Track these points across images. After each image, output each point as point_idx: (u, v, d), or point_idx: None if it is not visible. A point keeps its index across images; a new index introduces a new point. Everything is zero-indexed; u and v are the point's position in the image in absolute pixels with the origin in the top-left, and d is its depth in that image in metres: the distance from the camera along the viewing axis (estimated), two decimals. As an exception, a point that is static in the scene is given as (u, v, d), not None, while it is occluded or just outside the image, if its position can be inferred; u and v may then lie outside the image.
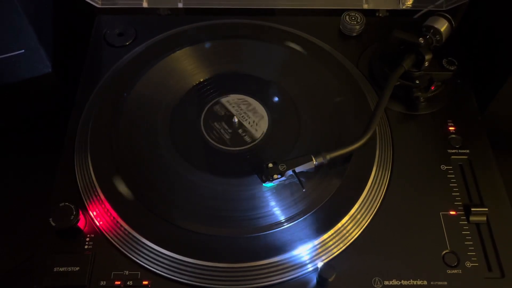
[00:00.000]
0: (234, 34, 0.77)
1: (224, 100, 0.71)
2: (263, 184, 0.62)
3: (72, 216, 0.57)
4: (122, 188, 0.61)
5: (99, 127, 0.66)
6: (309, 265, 0.57)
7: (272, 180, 0.61)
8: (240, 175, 0.63)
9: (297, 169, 0.61)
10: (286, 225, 0.59)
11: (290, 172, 0.60)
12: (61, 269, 0.56)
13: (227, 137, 0.67)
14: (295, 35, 0.77)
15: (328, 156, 0.61)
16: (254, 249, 0.57)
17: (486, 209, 0.61)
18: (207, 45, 0.76)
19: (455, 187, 0.64)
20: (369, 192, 0.62)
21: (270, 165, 0.60)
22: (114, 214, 0.59)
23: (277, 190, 0.62)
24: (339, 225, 0.59)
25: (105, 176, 0.62)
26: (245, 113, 0.70)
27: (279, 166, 0.60)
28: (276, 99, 0.72)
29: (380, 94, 0.66)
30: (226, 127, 0.68)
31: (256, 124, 0.69)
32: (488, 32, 0.78)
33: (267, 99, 0.71)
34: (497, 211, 0.62)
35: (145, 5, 0.81)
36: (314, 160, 0.61)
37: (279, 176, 0.60)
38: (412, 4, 0.82)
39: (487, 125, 0.69)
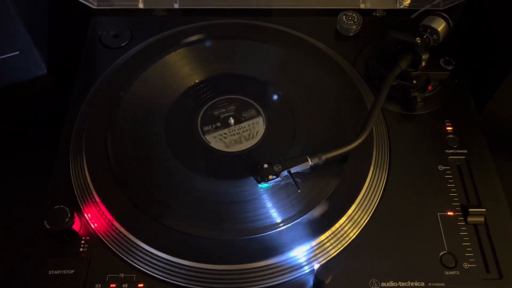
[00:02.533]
0: (230, 34, 0.77)
1: (221, 101, 0.71)
2: (259, 185, 0.62)
3: (67, 219, 0.57)
4: (117, 190, 0.61)
5: (95, 129, 0.66)
6: (305, 267, 0.57)
7: (267, 181, 0.60)
8: (236, 176, 0.63)
9: (293, 170, 0.61)
10: (283, 227, 0.58)
11: (285, 172, 0.60)
12: (56, 272, 0.56)
13: (224, 139, 0.67)
14: (291, 35, 0.77)
15: (324, 157, 0.61)
16: (250, 251, 0.57)
17: (484, 209, 0.61)
18: (208, 43, 0.75)
19: (452, 187, 0.63)
20: (366, 193, 0.62)
21: (266, 165, 0.60)
22: (109, 216, 0.59)
23: (273, 192, 0.62)
24: (336, 225, 0.59)
25: (100, 178, 0.62)
26: (241, 114, 0.69)
27: (274, 167, 0.60)
28: (272, 99, 0.72)
29: (376, 94, 0.66)
30: (222, 128, 0.68)
31: (253, 126, 0.68)
32: (486, 32, 0.77)
33: (264, 100, 0.71)
34: (494, 212, 0.61)
35: (141, 6, 0.81)
36: (309, 161, 0.61)
37: (274, 176, 0.60)
38: (409, 3, 0.82)
39: (484, 125, 0.69)
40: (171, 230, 0.58)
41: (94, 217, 0.59)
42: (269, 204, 0.61)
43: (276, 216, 0.60)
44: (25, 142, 0.78)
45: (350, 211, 0.60)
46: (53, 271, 0.56)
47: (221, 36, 0.77)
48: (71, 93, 0.71)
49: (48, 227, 0.56)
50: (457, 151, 0.66)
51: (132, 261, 0.57)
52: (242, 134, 0.67)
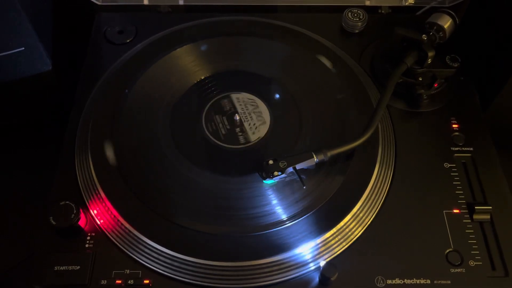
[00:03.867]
0: (235, 31, 0.77)
1: (226, 97, 0.70)
2: (264, 181, 0.61)
3: (73, 215, 0.57)
4: (123, 186, 0.61)
5: (100, 125, 0.66)
6: (311, 264, 0.57)
7: (272, 177, 0.60)
8: (241, 173, 0.63)
9: (298, 166, 0.60)
10: (288, 224, 0.58)
11: (291, 169, 0.60)
12: (61, 268, 0.56)
13: (229, 135, 0.67)
14: (296, 32, 0.77)
15: (329, 153, 0.61)
16: (256, 248, 0.57)
17: (490, 207, 0.61)
18: (203, 47, 0.75)
19: (458, 185, 0.63)
20: (372, 190, 0.62)
21: (271, 162, 0.60)
22: (115, 212, 0.59)
23: (279, 188, 0.62)
24: (342, 223, 0.59)
25: (106, 174, 0.61)
26: (246, 111, 0.69)
27: (280, 163, 0.60)
28: (277, 96, 0.72)
29: (382, 91, 0.66)
30: (228, 125, 0.68)
31: (258, 122, 0.68)
32: (491, 29, 0.77)
33: (269, 96, 0.71)
34: (500, 209, 0.61)
35: (145, 2, 0.80)
36: (315, 157, 0.60)
37: (279, 173, 0.60)
38: (414, 0, 0.82)
39: (490, 122, 0.69)
40: (177, 226, 0.58)
41: (100, 213, 0.59)
42: (274, 201, 0.61)
43: (281, 213, 0.60)
44: (30, 138, 0.78)
45: (355, 209, 0.60)
46: (58, 267, 0.56)
47: (226, 33, 0.76)
48: (76, 89, 0.71)
49: (53, 223, 0.56)
50: (462, 148, 0.66)
51: (138, 257, 0.57)
52: (248, 131, 0.67)
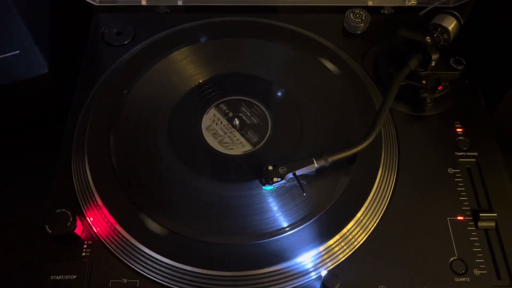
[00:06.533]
0: (235, 32, 0.75)
1: (225, 101, 0.69)
2: (263, 187, 0.60)
3: (69, 223, 0.56)
4: (120, 193, 0.59)
5: (97, 130, 0.64)
6: (312, 273, 0.56)
7: (271, 183, 0.59)
8: (241, 180, 0.62)
9: (298, 172, 0.59)
10: (289, 232, 0.57)
11: (291, 175, 0.59)
12: (57, 277, 0.55)
13: (228, 140, 0.66)
14: (298, 33, 0.75)
15: (330, 159, 0.60)
16: (256, 257, 0.55)
17: (495, 214, 0.60)
18: (203, 39, 0.73)
19: (462, 191, 0.62)
20: (375, 196, 0.60)
21: (270, 167, 0.59)
22: (112, 220, 0.58)
23: (279, 195, 0.60)
24: (344, 230, 0.58)
25: (103, 181, 0.60)
26: (247, 115, 0.68)
27: (279, 169, 0.59)
28: (278, 99, 0.70)
29: (385, 94, 0.64)
30: (227, 130, 0.66)
31: (258, 127, 0.67)
32: (497, 30, 0.75)
33: (269, 100, 0.70)
34: (506, 217, 0.60)
35: (144, 3, 0.79)
36: (315, 163, 0.59)
37: (279, 179, 0.59)
38: (417, 0, 0.80)
39: (495, 126, 0.67)
40: (175, 234, 0.57)
41: (97, 221, 0.58)
42: (275, 208, 0.59)
43: (282, 220, 0.58)
44: (27, 142, 0.77)
45: (358, 215, 0.59)
46: (54, 276, 0.55)
47: (226, 34, 0.75)
48: (73, 92, 0.70)
49: (49, 231, 0.55)
50: (467, 153, 0.65)
51: (136, 266, 0.56)
52: (248, 135, 0.66)
